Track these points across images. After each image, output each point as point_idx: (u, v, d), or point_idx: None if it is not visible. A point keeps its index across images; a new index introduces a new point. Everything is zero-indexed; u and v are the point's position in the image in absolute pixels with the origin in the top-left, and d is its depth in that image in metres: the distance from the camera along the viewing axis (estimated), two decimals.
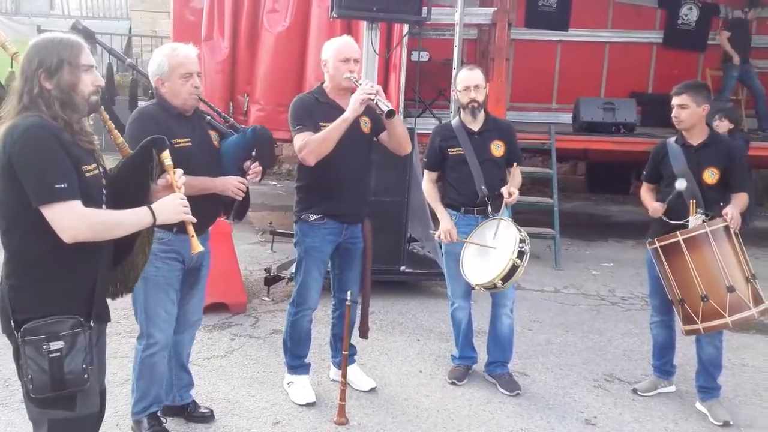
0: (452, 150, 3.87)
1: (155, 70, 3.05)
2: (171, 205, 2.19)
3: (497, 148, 3.87)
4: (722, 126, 5.88)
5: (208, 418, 3.40)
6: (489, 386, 3.97)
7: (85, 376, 2.05)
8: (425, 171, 4.04)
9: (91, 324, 2.11)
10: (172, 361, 3.32)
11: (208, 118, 3.29)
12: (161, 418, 3.23)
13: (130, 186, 2.24)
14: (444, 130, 3.98)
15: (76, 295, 2.09)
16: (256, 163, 3.22)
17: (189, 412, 3.39)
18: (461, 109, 3.91)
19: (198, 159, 3.02)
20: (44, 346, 1.99)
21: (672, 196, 3.61)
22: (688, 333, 3.61)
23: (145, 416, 3.16)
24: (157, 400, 3.19)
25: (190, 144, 3.02)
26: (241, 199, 3.18)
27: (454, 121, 3.95)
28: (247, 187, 3.20)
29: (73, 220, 1.98)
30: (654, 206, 3.69)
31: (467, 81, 3.82)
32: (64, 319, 2.03)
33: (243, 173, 3.21)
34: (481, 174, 3.80)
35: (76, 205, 1.99)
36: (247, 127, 3.32)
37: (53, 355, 1.99)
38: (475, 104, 3.81)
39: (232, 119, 3.42)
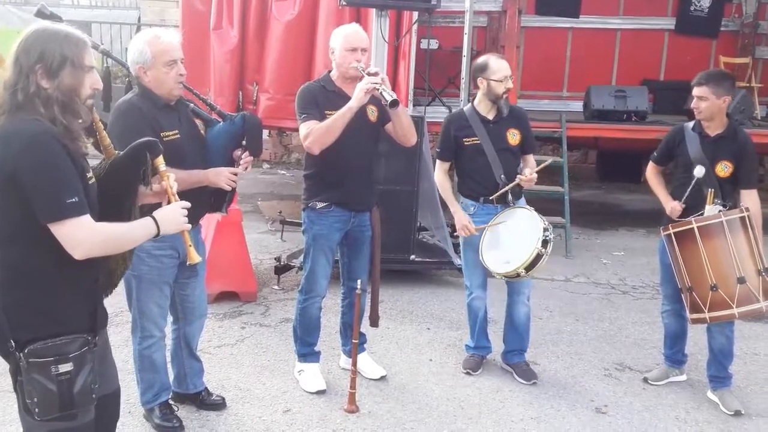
0: (468, 139, 3.79)
1: (136, 58, 2.88)
2: (173, 216, 2.08)
3: (513, 137, 3.81)
4: None
5: (219, 405, 3.42)
6: (499, 375, 3.97)
7: (93, 395, 1.96)
8: (438, 161, 3.96)
9: (96, 339, 2.01)
10: (183, 351, 3.34)
11: (192, 105, 3.17)
12: (173, 406, 3.26)
13: (119, 189, 2.09)
14: (458, 119, 3.88)
15: (82, 309, 1.98)
16: (246, 153, 3.12)
17: (201, 399, 3.41)
18: (490, 100, 3.75)
19: (188, 151, 2.93)
20: (52, 369, 1.86)
21: (690, 188, 3.56)
22: (695, 321, 3.59)
23: (156, 405, 3.18)
24: (164, 387, 3.21)
25: (179, 136, 2.92)
26: (230, 189, 3.09)
27: (467, 109, 3.87)
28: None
29: (86, 236, 1.85)
30: (672, 206, 3.66)
31: (507, 70, 3.71)
32: (73, 339, 1.91)
33: (231, 162, 3.11)
34: (499, 163, 3.76)
35: (87, 219, 1.86)
36: (234, 114, 3.19)
37: (62, 377, 1.87)
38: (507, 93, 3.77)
39: (218, 106, 3.30)
